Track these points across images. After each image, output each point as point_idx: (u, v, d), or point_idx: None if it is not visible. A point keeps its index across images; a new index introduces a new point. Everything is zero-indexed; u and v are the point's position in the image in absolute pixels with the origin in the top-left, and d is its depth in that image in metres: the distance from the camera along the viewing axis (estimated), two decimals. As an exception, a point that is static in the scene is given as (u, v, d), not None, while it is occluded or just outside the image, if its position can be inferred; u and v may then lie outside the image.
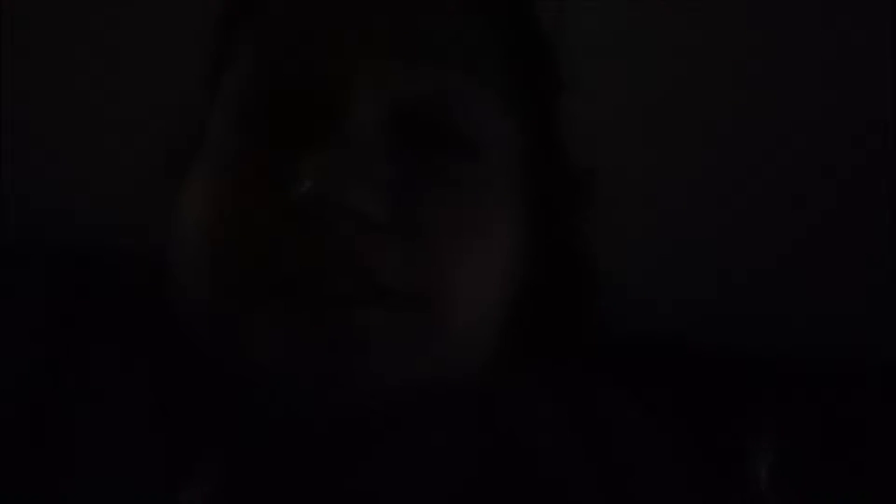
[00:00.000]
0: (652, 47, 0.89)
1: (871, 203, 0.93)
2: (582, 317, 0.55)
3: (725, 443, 0.66)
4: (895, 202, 0.91)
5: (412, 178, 0.46)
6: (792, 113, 0.92)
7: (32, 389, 0.51)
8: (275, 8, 0.51)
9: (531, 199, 0.51)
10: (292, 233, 0.44)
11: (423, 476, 0.51)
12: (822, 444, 0.78)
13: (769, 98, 0.92)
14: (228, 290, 0.45)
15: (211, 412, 0.49)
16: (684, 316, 0.91)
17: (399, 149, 0.47)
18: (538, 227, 0.52)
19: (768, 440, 0.70)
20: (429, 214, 0.46)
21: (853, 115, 0.92)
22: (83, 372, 0.52)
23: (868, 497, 0.78)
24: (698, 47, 0.89)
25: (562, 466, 0.54)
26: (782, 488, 0.72)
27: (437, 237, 0.46)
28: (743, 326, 0.93)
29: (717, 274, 0.95)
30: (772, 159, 0.94)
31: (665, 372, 0.74)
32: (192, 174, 0.50)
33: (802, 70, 0.91)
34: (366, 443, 0.47)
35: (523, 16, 0.55)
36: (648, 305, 0.81)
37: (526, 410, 0.56)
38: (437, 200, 0.47)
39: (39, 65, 0.86)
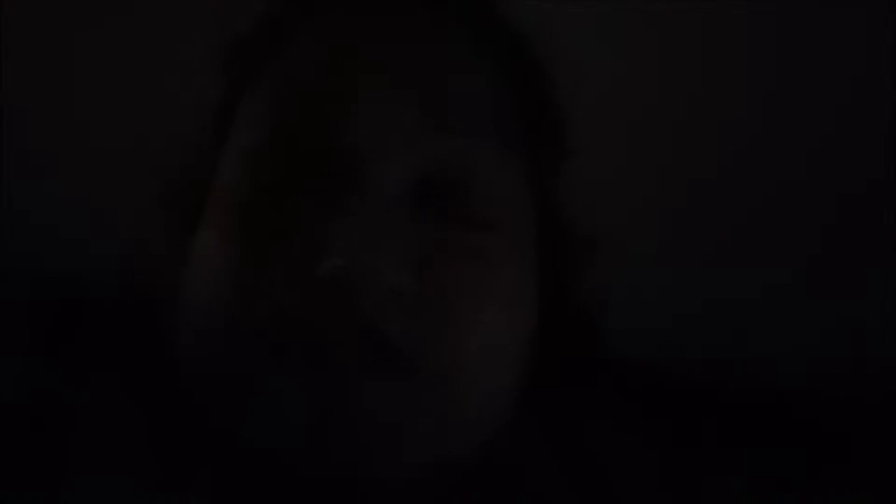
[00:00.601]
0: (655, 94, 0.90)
1: (875, 240, 0.94)
2: (585, 369, 0.55)
3: (716, 472, 0.67)
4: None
5: (435, 246, 0.46)
6: (796, 150, 0.93)
7: (18, 414, 0.51)
8: (292, 65, 0.50)
9: (543, 262, 0.52)
10: (318, 301, 0.44)
11: None
12: (806, 471, 0.79)
13: (774, 131, 0.92)
14: (247, 354, 0.45)
15: (203, 450, 0.50)
16: (677, 345, 0.92)
17: (422, 215, 0.46)
18: (549, 289, 0.52)
19: (748, 467, 0.70)
20: (452, 282, 0.46)
21: (859, 142, 0.93)
22: (70, 399, 0.52)
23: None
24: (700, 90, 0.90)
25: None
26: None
27: (461, 306, 0.46)
28: (737, 356, 0.94)
29: (712, 303, 0.96)
30: (772, 194, 0.94)
31: (658, 401, 0.75)
32: (205, 227, 0.49)
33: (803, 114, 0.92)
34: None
35: (539, 80, 0.55)
36: (638, 332, 0.82)
37: (518, 449, 0.56)
38: (460, 268, 0.46)
39: (37, 83, 0.86)
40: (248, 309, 0.45)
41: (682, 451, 0.62)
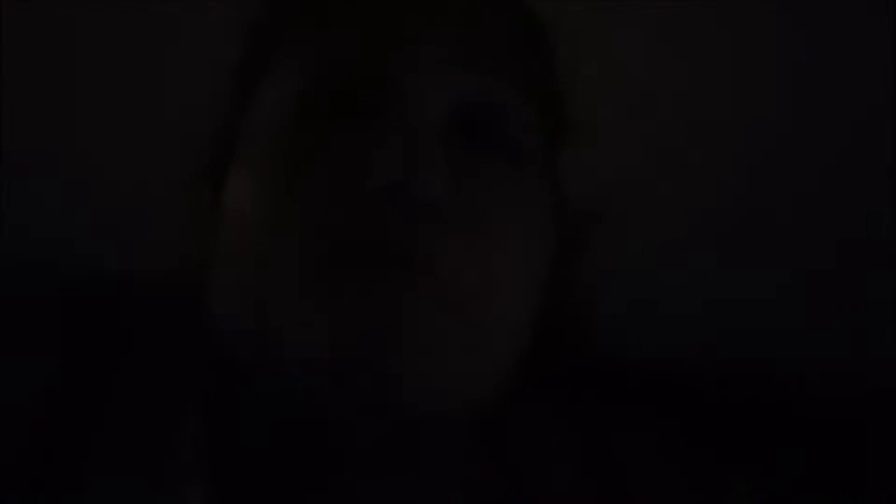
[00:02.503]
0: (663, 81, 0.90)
1: (877, 244, 0.94)
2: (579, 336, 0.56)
3: (742, 475, 0.66)
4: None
5: (468, 171, 0.48)
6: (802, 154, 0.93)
7: (45, 412, 0.50)
8: (331, 10, 0.52)
9: (555, 215, 0.53)
10: (363, 222, 0.46)
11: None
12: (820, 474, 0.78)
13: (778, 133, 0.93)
14: (297, 280, 0.46)
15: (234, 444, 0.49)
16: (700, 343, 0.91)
17: (454, 148, 0.48)
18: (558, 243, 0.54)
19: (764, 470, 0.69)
20: (481, 206, 0.48)
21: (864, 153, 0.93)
22: (97, 397, 0.51)
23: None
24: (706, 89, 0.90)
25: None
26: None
27: (489, 228, 0.48)
28: (755, 354, 0.93)
29: (725, 301, 0.95)
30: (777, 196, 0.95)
31: (683, 400, 0.74)
32: (236, 175, 0.51)
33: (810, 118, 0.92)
34: (375, 455, 0.47)
35: (551, 51, 0.58)
36: (648, 334, 0.81)
37: (539, 442, 0.56)
38: (489, 193, 0.49)
39: (64, 74, 0.86)
40: (292, 228, 0.47)
41: (704, 460, 0.62)
